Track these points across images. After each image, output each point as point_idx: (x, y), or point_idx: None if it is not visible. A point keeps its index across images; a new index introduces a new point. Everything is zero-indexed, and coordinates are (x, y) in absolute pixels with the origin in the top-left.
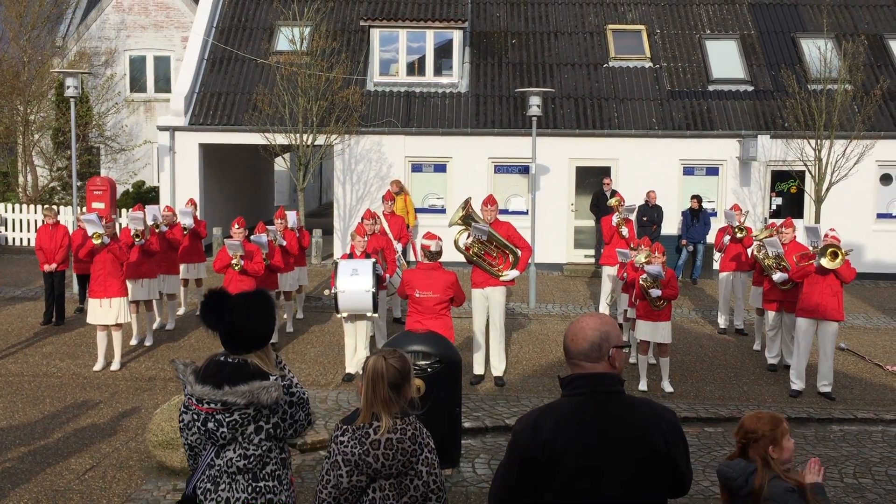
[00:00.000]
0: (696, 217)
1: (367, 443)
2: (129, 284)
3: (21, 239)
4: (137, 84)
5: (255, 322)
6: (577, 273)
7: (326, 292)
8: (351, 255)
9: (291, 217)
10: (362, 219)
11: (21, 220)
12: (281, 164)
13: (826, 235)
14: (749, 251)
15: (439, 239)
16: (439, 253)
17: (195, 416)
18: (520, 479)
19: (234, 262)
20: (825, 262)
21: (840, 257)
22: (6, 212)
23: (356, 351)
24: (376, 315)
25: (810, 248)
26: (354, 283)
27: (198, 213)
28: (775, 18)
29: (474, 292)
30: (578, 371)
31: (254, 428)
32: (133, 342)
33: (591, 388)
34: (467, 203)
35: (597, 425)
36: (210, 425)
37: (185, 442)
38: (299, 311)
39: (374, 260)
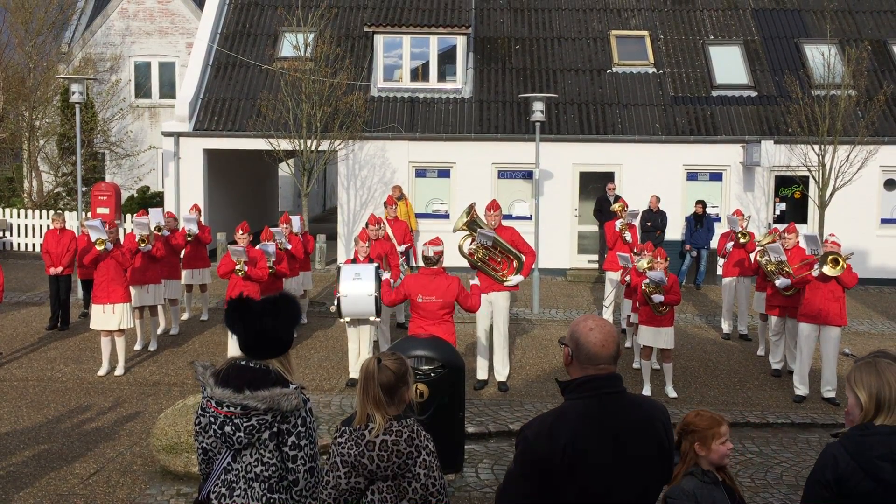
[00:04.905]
0: (700, 222)
1: (363, 444)
2: (134, 290)
3: (26, 244)
4: (142, 90)
5: (280, 326)
6: (581, 278)
7: (332, 308)
8: (354, 260)
9: (296, 222)
10: (367, 224)
11: (26, 226)
12: (285, 169)
13: (826, 241)
14: (752, 256)
15: (439, 242)
16: (437, 258)
17: (212, 419)
18: (536, 487)
19: (238, 267)
20: (827, 269)
21: (841, 264)
22: (11, 217)
23: (359, 355)
24: (379, 319)
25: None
26: (357, 287)
27: (202, 219)
28: (779, 24)
29: None
30: (590, 373)
31: (268, 434)
32: (137, 347)
33: (601, 390)
34: (472, 208)
35: (613, 425)
36: (227, 429)
37: (198, 446)
38: (303, 315)
39: (376, 264)
